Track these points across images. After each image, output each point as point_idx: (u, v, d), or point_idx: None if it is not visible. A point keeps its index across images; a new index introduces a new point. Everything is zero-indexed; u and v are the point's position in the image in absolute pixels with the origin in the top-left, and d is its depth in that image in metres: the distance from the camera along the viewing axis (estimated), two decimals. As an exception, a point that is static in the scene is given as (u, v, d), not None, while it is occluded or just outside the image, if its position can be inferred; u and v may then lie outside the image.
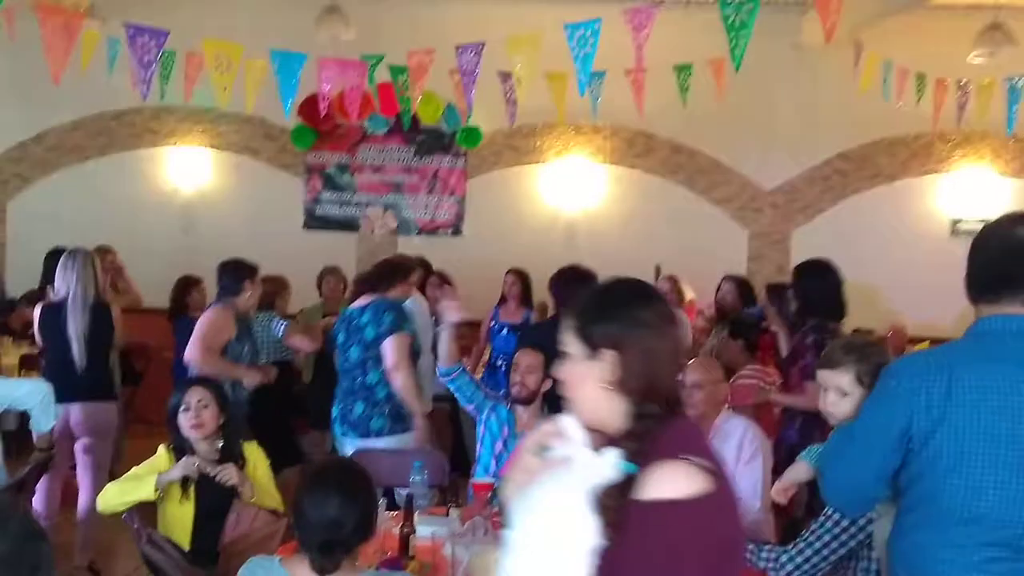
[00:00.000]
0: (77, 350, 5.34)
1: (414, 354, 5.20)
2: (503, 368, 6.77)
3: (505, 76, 7.02)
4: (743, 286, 6.96)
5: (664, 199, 9.46)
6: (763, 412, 5.19)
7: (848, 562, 3.12)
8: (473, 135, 9.24)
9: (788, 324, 5.53)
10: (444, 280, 7.49)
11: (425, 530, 3.58)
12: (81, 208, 9.31)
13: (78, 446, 5.41)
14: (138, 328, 7.82)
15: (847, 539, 3.07)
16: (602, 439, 1.86)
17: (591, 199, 9.50)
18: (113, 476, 4.66)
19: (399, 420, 5.06)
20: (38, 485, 4.91)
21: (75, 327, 5.34)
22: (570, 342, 1.94)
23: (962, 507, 2.35)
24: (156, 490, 3.85)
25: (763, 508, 3.98)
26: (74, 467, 5.53)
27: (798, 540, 3.22)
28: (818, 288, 4.91)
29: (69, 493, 5.57)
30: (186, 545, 3.87)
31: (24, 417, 4.80)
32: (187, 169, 9.57)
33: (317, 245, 9.19)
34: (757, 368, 5.47)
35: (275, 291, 6.92)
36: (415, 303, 6.24)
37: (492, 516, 3.67)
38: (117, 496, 3.89)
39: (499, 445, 4.41)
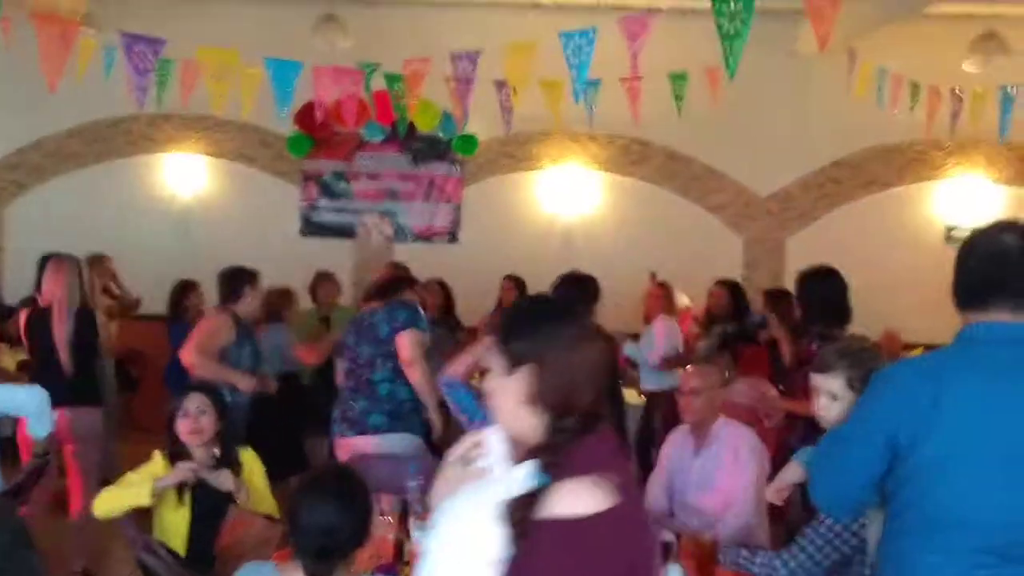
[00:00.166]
0: (62, 356, 5.36)
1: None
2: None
3: (501, 84, 7.05)
4: (735, 290, 6.98)
5: (659, 206, 9.49)
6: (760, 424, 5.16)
7: (842, 567, 3.13)
8: (469, 143, 9.26)
9: (790, 331, 5.54)
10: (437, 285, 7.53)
11: (420, 536, 3.58)
12: (78, 215, 9.31)
13: (65, 451, 5.42)
14: (134, 335, 7.85)
15: (840, 544, 3.09)
16: (524, 452, 1.89)
17: (587, 206, 9.52)
18: (107, 482, 4.66)
19: (398, 419, 5.02)
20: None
21: (59, 333, 5.36)
22: (493, 356, 1.98)
23: (948, 513, 2.35)
24: (152, 496, 3.85)
25: (757, 513, 4.00)
26: (63, 472, 5.54)
27: (792, 545, 3.23)
28: (822, 294, 4.91)
29: (62, 499, 5.57)
30: (182, 551, 3.88)
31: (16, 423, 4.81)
32: (184, 176, 9.57)
33: (313, 252, 9.19)
34: (751, 384, 5.33)
35: (282, 303, 6.95)
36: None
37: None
38: (113, 501, 3.90)
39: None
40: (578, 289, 5.47)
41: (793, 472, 3.13)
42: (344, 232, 9.62)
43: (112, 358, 7.30)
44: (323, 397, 6.11)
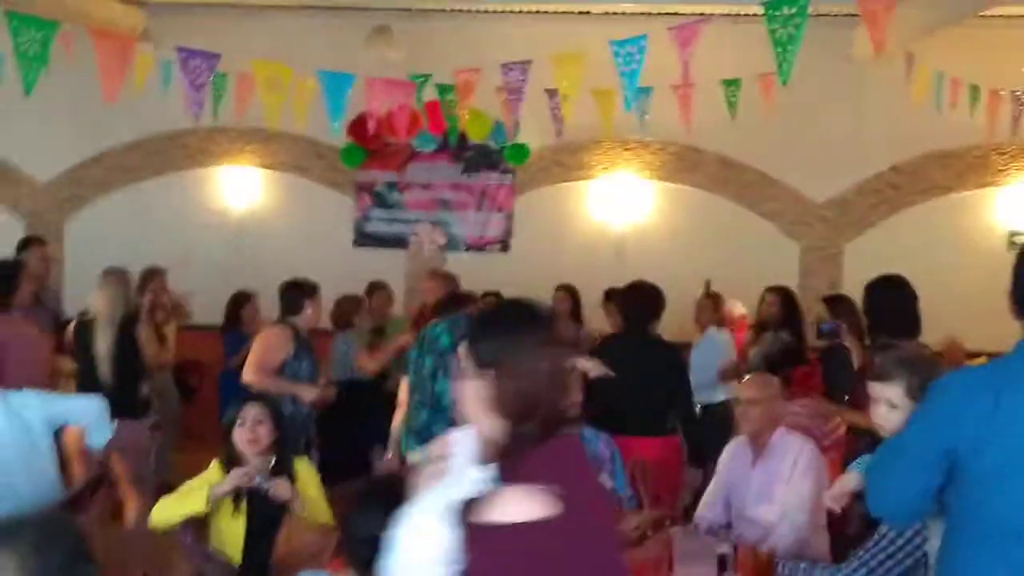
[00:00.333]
0: (102, 368, 5.43)
1: None
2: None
3: (552, 93, 7.04)
4: (787, 297, 6.86)
5: (713, 214, 9.40)
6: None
7: (903, 582, 3.07)
8: (521, 152, 9.26)
9: (860, 340, 5.42)
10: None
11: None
12: (136, 227, 9.48)
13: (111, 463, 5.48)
14: (191, 345, 7.94)
15: (903, 557, 3.02)
16: (492, 453, 1.93)
17: (639, 215, 9.46)
18: (167, 491, 4.72)
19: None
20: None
21: (101, 345, 5.43)
22: (463, 360, 2.03)
23: (1007, 524, 2.31)
24: (208, 503, 3.89)
25: (815, 526, 3.93)
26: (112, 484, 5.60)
27: (852, 559, 3.18)
28: (889, 304, 4.81)
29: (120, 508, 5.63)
30: (237, 560, 3.91)
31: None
32: (239, 188, 9.70)
33: (367, 262, 9.25)
34: (805, 404, 5.12)
35: (353, 310, 7.02)
36: None
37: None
38: (170, 510, 3.95)
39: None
40: (643, 299, 5.48)
41: (851, 480, 3.07)
42: (397, 242, 9.67)
43: (169, 370, 7.41)
44: (380, 408, 6.17)
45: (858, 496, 3.09)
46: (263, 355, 5.48)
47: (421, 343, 5.25)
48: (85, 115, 9.01)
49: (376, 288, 7.83)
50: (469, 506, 1.81)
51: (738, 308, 7.80)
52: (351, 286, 7.66)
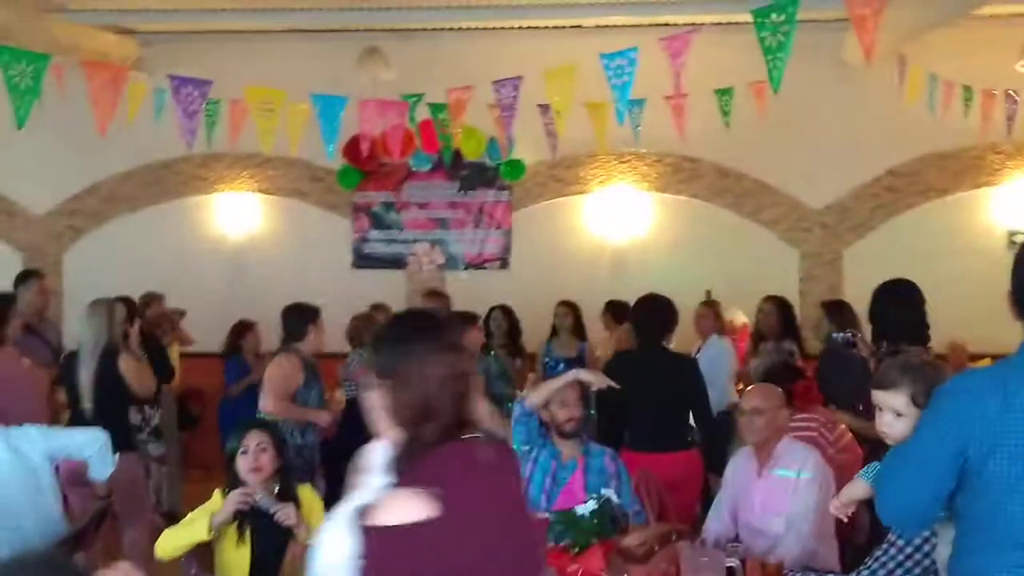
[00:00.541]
0: (86, 399, 5.40)
1: (495, 400, 5.07)
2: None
3: (545, 108, 7.04)
4: (783, 306, 6.84)
5: (712, 223, 9.39)
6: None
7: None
8: (516, 168, 9.26)
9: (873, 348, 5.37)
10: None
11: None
12: (135, 257, 9.46)
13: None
14: (192, 372, 7.93)
15: (912, 566, 2.99)
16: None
17: (638, 227, 9.45)
18: (173, 520, 4.70)
19: None
20: None
21: (84, 377, 5.41)
22: (367, 372, 2.13)
23: (1021, 529, 2.28)
24: (211, 531, 3.85)
25: (822, 535, 3.90)
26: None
27: (862, 568, 3.15)
28: (895, 311, 4.77)
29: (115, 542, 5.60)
30: (243, 589, 3.88)
31: None
32: (236, 214, 9.70)
33: (366, 284, 9.24)
34: (807, 417, 4.93)
35: (365, 327, 7.02)
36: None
37: (548, 552, 3.62)
38: (174, 540, 3.92)
39: (549, 480, 4.37)
40: (658, 313, 5.45)
41: (858, 488, 3.03)
42: (395, 263, 9.66)
43: (172, 397, 7.40)
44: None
45: (866, 504, 3.06)
46: (280, 384, 5.49)
47: None
48: (79, 146, 9.01)
49: (377, 310, 7.82)
50: (363, 511, 1.91)
51: (739, 317, 7.78)
52: (351, 308, 7.64)
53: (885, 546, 3.06)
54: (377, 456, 2.03)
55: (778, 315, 6.73)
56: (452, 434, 2.00)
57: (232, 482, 4.06)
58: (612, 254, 9.42)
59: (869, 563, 3.11)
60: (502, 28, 9.13)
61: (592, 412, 5.05)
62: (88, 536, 4.46)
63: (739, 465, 4.28)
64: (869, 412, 4.68)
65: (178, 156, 9.33)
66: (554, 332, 7.96)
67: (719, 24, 8.26)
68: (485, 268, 9.61)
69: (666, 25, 7.95)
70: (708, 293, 8.13)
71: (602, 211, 9.47)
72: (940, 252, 8.91)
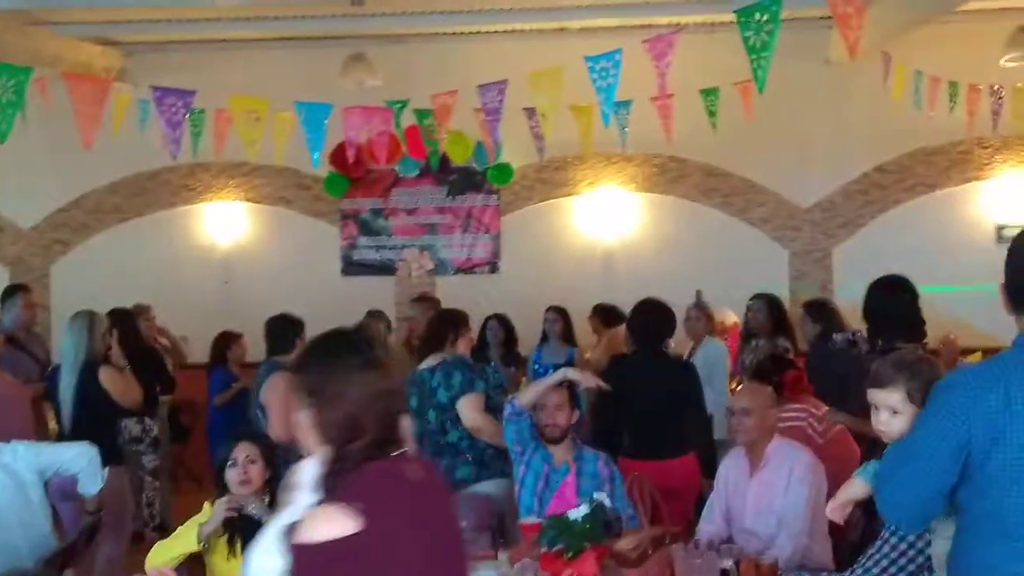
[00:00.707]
0: (64, 412, 5.34)
1: (494, 412, 5.02)
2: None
3: (531, 111, 7.03)
4: (772, 304, 6.83)
5: (700, 223, 9.39)
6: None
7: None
8: (504, 172, 9.25)
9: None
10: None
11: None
12: (123, 269, 9.41)
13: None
14: (184, 384, 7.89)
15: (906, 563, 2.98)
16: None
17: (627, 228, 9.44)
18: (164, 533, 4.66)
19: (485, 466, 4.91)
20: None
21: (65, 390, 5.34)
22: (294, 391, 2.12)
23: None
24: (200, 541, 3.82)
25: (814, 534, 3.88)
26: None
27: (856, 566, 3.14)
28: (889, 307, 4.75)
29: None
30: (235, 602, 3.84)
31: None
32: (224, 223, 9.66)
33: (356, 291, 9.21)
34: (798, 407, 4.96)
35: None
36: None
37: (541, 557, 3.61)
38: (163, 553, 3.88)
39: (541, 484, 4.35)
40: (657, 317, 5.43)
41: (855, 488, 3.02)
42: (385, 269, 9.63)
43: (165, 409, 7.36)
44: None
45: (859, 503, 3.05)
46: (283, 408, 5.37)
47: (421, 392, 5.01)
48: (64, 158, 8.96)
49: (373, 317, 7.76)
50: (290, 529, 1.93)
51: (730, 317, 7.77)
52: (341, 316, 7.54)
53: (879, 543, 3.05)
54: (307, 473, 2.03)
55: (767, 313, 6.72)
56: (379, 451, 2.01)
57: (222, 494, 4.02)
58: (601, 256, 9.41)
59: (863, 560, 3.10)
60: (486, 32, 9.13)
61: (582, 412, 5.01)
62: (78, 552, 4.42)
63: (731, 466, 4.26)
64: (864, 410, 4.71)
65: (164, 167, 9.30)
66: (544, 338, 7.94)
67: (704, 24, 8.27)
68: (475, 272, 9.60)
69: (651, 26, 7.94)
70: (698, 293, 8.12)
71: (591, 213, 9.47)
72: (929, 247, 8.94)
